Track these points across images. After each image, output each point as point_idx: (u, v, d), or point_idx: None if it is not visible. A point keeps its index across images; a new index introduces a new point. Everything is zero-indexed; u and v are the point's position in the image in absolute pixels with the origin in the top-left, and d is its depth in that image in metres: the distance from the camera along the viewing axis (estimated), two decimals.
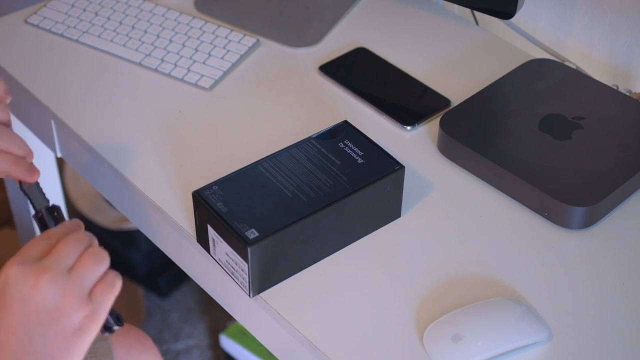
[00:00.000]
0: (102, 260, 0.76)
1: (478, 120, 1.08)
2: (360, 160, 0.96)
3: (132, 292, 1.86)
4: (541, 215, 1.00)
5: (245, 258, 0.89)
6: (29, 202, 0.91)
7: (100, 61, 1.21)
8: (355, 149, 0.98)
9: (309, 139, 0.99)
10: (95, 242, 0.78)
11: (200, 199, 0.93)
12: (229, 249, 0.91)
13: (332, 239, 0.95)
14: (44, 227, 0.89)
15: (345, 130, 1.00)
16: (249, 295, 0.92)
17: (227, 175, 0.95)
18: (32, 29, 1.27)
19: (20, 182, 0.92)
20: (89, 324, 0.73)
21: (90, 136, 1.10)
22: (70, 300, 0.72)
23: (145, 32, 1.24)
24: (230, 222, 0.90)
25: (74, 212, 1.85)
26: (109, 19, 1.26)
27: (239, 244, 0.89)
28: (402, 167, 0.96)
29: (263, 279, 0.92)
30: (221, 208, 0.92)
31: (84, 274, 0.74)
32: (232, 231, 0.90)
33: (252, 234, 0.89)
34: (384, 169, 0.96)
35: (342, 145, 0.98)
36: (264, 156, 0.97)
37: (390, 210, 0.99)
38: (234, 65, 1.20)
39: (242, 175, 0.95)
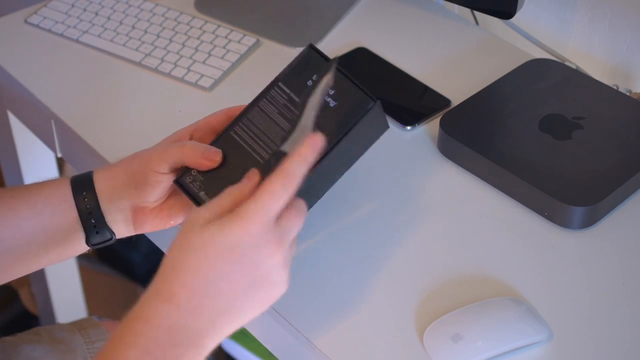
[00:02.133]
0: (303, 212, 0.80)
1: (478, 120, 1.08)
2: (332, 103, 0.91)
3: (132, 292, 1.86)
4: (541, 215, 1.00)
5: None
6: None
7: (100, 61, 1.21)
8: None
9: (276, 84, 0.93)
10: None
11: (182, 188, 0.92)
12: None
13: (323, 186, 0.94)
14: None
15: (312, 63, 0.92)
16: None
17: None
18: (32, 29, 1.27)
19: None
20: (275, 285, 0.78)
21: (90, 136, 1.10)
22: (288, 272, 0.78)
23: (146, 31, 1.24)
24: None
25: None
26: (109, 18, 1.26)
27: None
28: (375, 103, 0.90)
29: None
30: (204, 198, 0.91)
31: (289, 227, 0.78)
32: None
33: None
34: (358, 109, 0.90)
35: (311, 84, 0.91)
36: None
37: (377, 132, 0.95)
38: (234, 65, 1.20)
39: (217, 147, 0.92)
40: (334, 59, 0.90)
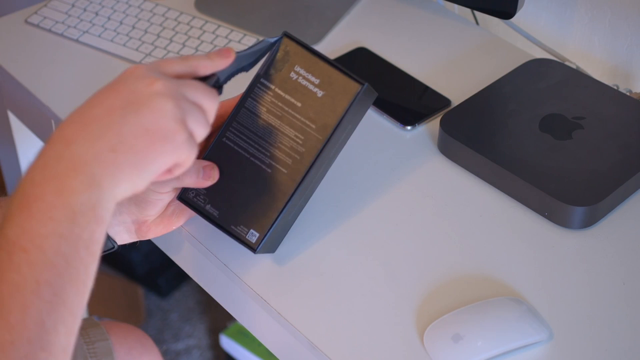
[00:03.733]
0: (214, 96, 0.79)
1: (478, 120, 1.08)
2: (319, 93, 0.90)
3: (132, 292, 1.86)
4: (541, 215, 1.00)
5: (253, 251, 0.91)
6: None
7: (100, 61, 1.21)
8: (309, 76, 0.90)
9: (258, 80, 0.92)
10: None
11: (187, 204, 0.92)
12: None
13: (322, 173, 0.94)
14: None
15: (290, 52, 0.91)
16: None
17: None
18: (32, 28, 1.27)
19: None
20: (178, 139, 0.74)
21: None
22: (172, 108, 0.74)
23: (146, 31, 1.24)
24: (227, 227, 0.91)
25: None
26: (109, 18, 1.26)
27: (244, 245, 0.91)
28: (364, 86, 0.90)
29: (271, 247, 0.94)
30: (212, 211, 0.91)
31: (194, 94, 0.77)
32: (233, 236, 0.91)
33: (253, 236, 0.90)
34: (346, 93, 0.90)
35: (295, 76, 0.91)
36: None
37: (367, 106, 0.94)
38: None
39: (212, 158, 0.92)
40: (283, 32, 0.91)
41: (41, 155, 0.71)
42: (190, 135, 0.75)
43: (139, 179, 0.72)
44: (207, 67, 0.82)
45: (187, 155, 0.75)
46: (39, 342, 0.67)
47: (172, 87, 0.75)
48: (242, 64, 0.88)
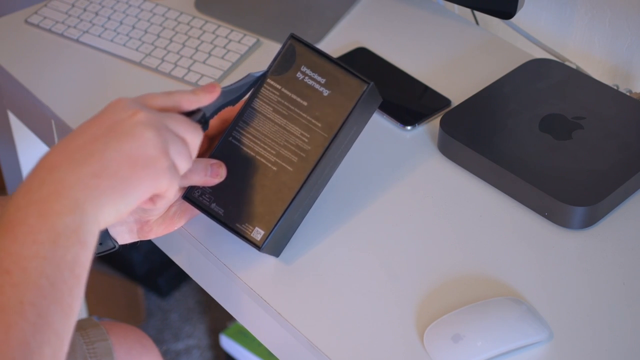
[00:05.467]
0: (197, 130, 0.81)
1: (478, 120, 1.08)
2: (325, 92, 0.91)
3: (132, 292, 1.86)
4: (541, 215, 1.00)
5: (258, 249, 0.91)
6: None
7: (100, 61, 1.21)
8: (315, 76, 0.91)
9: (264, 80, 0.92)
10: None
11: (192, 203, 0.92)
12: None
13: (330, 172, 0.94)
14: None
15: (296, 53, 0.92)
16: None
17: None
18: (32, 28, 1.27)
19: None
20: (159, 167, 0.75)
21: None
22: (154, 137, 0.75)
23: (146, 31, 1.24)
24: (232, 226, 0.91)
25: None
26: (109, 18, 1.26)
27: (249, 243, 0.91)
28: (369, 85, 0.90)
29: (276, 249, 0.94)
30: (217, 210, 0.91)
31: (177, 127, 0.79)
32: (238, 234, 0.91)
33: (258, 233, 0.90)
34: (352, 93, 0.90)
35: (301, 76, 0.91)
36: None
37: (373, 108, 0.94)
38: (234, 65, 1.21)
39: (218, 157, 0.92)
40: (290, 34, 0.91)
41: (25, 182, 0.72)
42: (173, 165, 0.77)
43: (122, 204, 0.74)
44: (192, 102, 0.84)
45: (168, 184, 0.77)
46: None
47: (154, 118, 0.77)
48: (228, 98, 0.89)
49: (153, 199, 0.80)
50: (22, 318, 0.67)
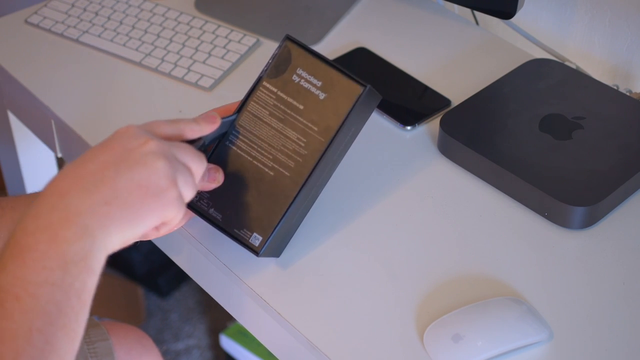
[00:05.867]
0: (202, 160, 0.82)
1: (478, 120, 1.08)
2: (322, 95, 0.90)
3: (132, 292, 1.86)
4: (541, 215, 1.00)
5: (256, 254, 0.91)
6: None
7: (100, 61, 1.21)
8: (311, 79, 0.90)
9: (260, 83, 0.92)
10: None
11: (191, 208, 0.92)
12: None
13: (328, 174, 0.94)
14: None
15: (292, 55, 0.91)
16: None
17: None
18: (32, 28, 1.27)
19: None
20: (169, 196, 0.76)
21: (90, 136, 1.10)
22: (165, 167, 0.76)
23: (146, 31, 1.24)
24: (231, 231, 0.91)
25: None
26: (109, 18, 1.26)
27: (247, 248, 0.91)
28: (366, 88, 0.89)
29: (275, 252, 0.94)
30: (215, 215, 0.91)
31: (185, 157, 0.80)
32: (236, 240, 0.91)
33: (256, 239, 0.90)
34: (349, 96, 0.89)
35: (297, 79, 0.91)
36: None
37: (371, 109, 0.93)
38: (234, 65, 1.20)
39: (215, 161, 0.92)
40: (286, 35, 0.91)
41: (34, 206, 0.72)
42: (180, 195, 0.78)
43: (130, 232, 0.74)
44: (195, 132, 0.85)
45: (175, 213, 0.77)
46: None
47: (164, 148, 0.77)
48: (225, 129, 0.91)
49: (158, 227, 0.81)
50: (30, 345, 0.68)
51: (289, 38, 0.91)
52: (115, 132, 0.78)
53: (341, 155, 0.94)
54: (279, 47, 0.91)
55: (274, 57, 0.91)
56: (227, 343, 1.71)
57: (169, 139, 0.81)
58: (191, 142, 0.85)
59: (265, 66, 0.92)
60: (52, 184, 0.74)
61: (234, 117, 0.92)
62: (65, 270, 0.70)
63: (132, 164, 0.75)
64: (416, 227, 0.99)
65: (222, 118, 0.90)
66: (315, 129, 0.90)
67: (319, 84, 0.90)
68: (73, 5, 1.29)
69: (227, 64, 1.20)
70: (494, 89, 1.12)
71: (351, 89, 0.89)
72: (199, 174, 0.81)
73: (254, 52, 1.23)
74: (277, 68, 0.91)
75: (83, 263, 0.71)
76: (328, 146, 0.89)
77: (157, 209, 0.75)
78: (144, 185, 0.75)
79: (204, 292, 1.20)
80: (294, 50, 0.91)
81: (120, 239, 0.74)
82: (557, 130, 1.05)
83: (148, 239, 0.92)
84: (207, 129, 0.86)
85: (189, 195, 0.79)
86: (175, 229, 0.83)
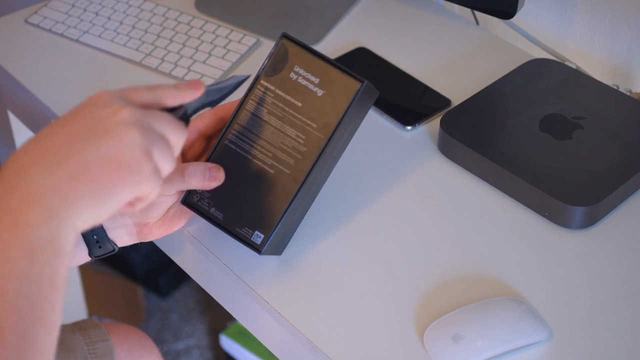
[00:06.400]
0: (182, 130, 0.75)
1: (478, 120, 1.08)
2: (320, 92, 0.90)
3: (132, 292, 1.86)
4: (541, 215, 1.00)
5: (258, 252, 0.91)
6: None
7: (100, 61, 1.21)
8: (309, 76, 0.90)
9: (258, 82, 0.91)
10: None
11: (192, 208, 0.92)
12: None
13: (327, 172, 0.94)
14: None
15: (289, 53, 0.91)
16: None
17: None
18: (32, 28, 1.27)
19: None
20: (143, 170, 0.70)
21: None
22: (138, 138, 0.69)
23: (146, 31, 1.24)
24: (232, 230, 0.91)
25: None
26: (109, 18, 1.26)
27: (249, 247, 0.91)
28: (364, 83, 0.89)
29: (277, 249, 0.94)
30: (216, 214, 0.91)
31: (162, 127, 0.73)
32: (238, 238, 0.91)
33: (258, 237, 0.90)
34: (347, 92, 0.89)
35: (294, 76, 0.90)
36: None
37: (369, 105, 0.93)
38: (235, 65, 1.21)
39: (214, 161, 0.92)
40: (282, 33, 0.90)
41: None
42: (156, 168, 0.71)
43: (102, 209, 0.68)
44: (175, 98, 0.78)
45: (151, 189, 0.71)
46: None
47: (138, 116, 0.70)
48: (210, 98, 0.86)
49: (132, 202, 0.72)
50: (2, 346, 0.62)
51: (285, 36, 0.91)
52: (87, 99, 0.71)
53: (340, 152, 0.94)
54: (276, 45, 0.91)
55: (271, 55, 0.91)
56: (227, 343, 1.71)
57: (146, 106, 0.74)
58: (171, 110, 0.78)
59: (263, 64, 0.92)
60: (12, 159, 0.67)
61: (243, 77, 0.89)
62: (32, 259, 0.64)
63: (102, 135, 0.68)
64: (416, 226, 0.99)
65: (209, 86, 0.84)
66: (314, 125, 0.90)
67: (317, 81, 0.90)
68: (73, 5, 1.29)
69: (228, 64, 1.20)
70: (494, 89, 1.12)
71: (349, 85, 0.89)
72: (179, 146, 0.75)
73: (254, 52, 1.23)
74: (275, 66, 0.91)
75: (51, 247, 0.65)
76: (327, 142, 0.90)
77: (130, 184, 0.68)
78: (115, 159, 0.68)
79: (204, 292, 1.20)
80: (291, 48, 0.91)
81: (90, 217, 0.67)
82: (557, 130, 1.05)
83: (147, 218, 0.90)
84: (188, 96, 0.79)
85: (166, 168, 0.72)
86: (150, 200, 0.73)
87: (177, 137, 0.74)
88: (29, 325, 0.64)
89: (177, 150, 0.75)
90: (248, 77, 0.92)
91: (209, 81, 1.17)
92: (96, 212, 0.68)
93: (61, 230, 0.66)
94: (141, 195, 0.71)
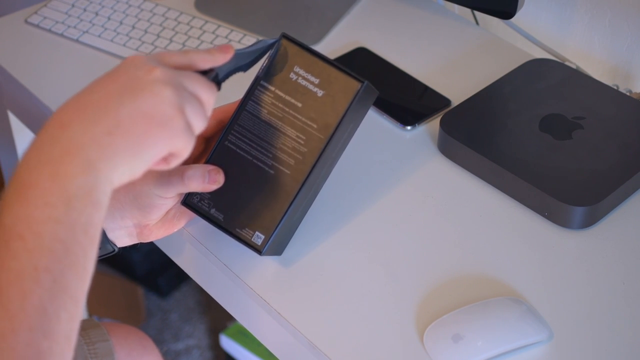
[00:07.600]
0: (212, 89, 0.79)
1: (478, 120, 1.08)
2: (319, 92, 0.90)
3: (132, 292, 1.86)
4: (541, 215, 1.00)
5: (259, 253, 0.91)
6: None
7: (100, 61, 1.21)
8: (309, 76, 0.90)
9: (258, 82, 0.92)
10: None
11: (192, 209, 0.92)
12: None
13: (327, 172, 0.94)
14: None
15: (289, 54, 0.91)
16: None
17: None
18: (32, 28, 1.27)
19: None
20: (176, 125, 0.73)
21: None
22: (171, 95, 0.73)
23: (146, 31, 1.24)
24: (233, 231, 0.91)
25: None
26: (109, 18, 1.27)
27: (250, 247, 0.91)
28: (364, 83, 0.89)
29: (277, 250, 0.94)
30: (217, 215, 0.91)
31: (194, 85, 0.77)
32: (238, 239, 0.91)
33: (259, 238, 0.90)
34: (347, 92, 0.89)
35: (294, 77, 0.90)
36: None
37: (368, 105, 0.93)
38: None
39: (215, 162, 0.92)
40: (282, 34, 0.90)
41: (36, 140, 0.70)
42: (188, 125, 0.75)
43: (136, 163, 0.71)
44: (207, 61, 0.82)
45: (184, 145, 0.75)
46: (40, 330, 0.67)
47: (171, 76, 0.75)
48: (240, 62, 0.88)
49: (167, 158, 0.76)
50: (37, 285, 0.66)
51: (285, 36, 0.91)
52: (123, 61, 0.75)
53: (340, 152, 0.94)
54: (275, 46, 0.91)
55: (270, 55, 0.91)
56: (227, 343, 1.71)
57: (179, 69, 0.78)
58: (203, 73, 0.82)
59: (262, 65, 0.92)
60: (55, 115, 0.71)
61: (273, 40, 0.90)
62: (70, 206, 0.67)
63: (137, 93, 0.72)
64: (416, 226, 0.99)
65: (238, 50, 0.87)
66: (314, 126, 0.90)
67: (317, 81, 0.90)
68: (73, 5, 1.29)
69: None
70: (494, 89, 1.12)
71: (349, 85, 0.89)
72: (210, 105, 0.78)
73: None
74: (274, 67, 0.91)
75: (88, 197, 0.68)
76: (327, 143, 0.90)
77: (163, 138, 0.72)
78: (149, 114, 0.72)
79: (204, 292, 1.20)
80: (290, 49, 0.91)
81: (126, 170, 0.71)
82: (557, 130, 1.05)
83: (147, 220, 0.91)
84: (220, 59, 0.83)
85: (198, 126, 0.76)
86: (184, 157, 0.77)
87: (209, 96, 0.78)
88: (62, 267, 0.67)
89: (209, 109, 0.78)
90: (278, 40, 0.91)
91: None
92: (131, 166, 0.71)
93: (98, 182, 0.69)
94: (174, 151, 0.74)
